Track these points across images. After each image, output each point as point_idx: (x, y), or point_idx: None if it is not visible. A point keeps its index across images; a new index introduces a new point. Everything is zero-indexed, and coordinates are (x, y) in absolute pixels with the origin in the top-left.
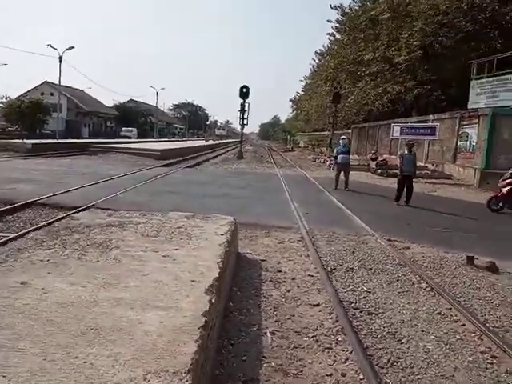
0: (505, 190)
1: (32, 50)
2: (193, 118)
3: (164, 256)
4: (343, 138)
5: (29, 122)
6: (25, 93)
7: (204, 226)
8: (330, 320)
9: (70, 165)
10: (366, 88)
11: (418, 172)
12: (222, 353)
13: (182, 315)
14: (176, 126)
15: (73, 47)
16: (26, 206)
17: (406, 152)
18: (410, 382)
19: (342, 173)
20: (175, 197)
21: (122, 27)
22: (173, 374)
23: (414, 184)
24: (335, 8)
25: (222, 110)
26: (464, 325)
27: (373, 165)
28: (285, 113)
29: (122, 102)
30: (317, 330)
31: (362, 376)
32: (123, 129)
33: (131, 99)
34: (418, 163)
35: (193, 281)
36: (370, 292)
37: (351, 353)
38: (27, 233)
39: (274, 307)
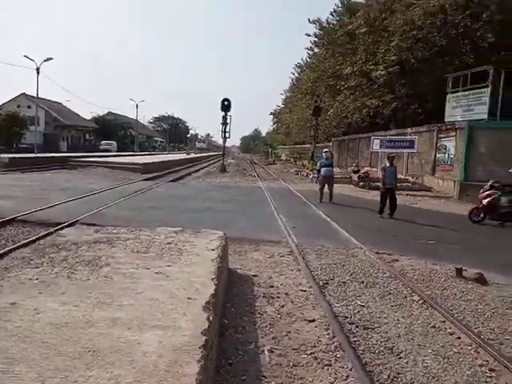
0: (485, 201)
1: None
2: (173, 131)
3: (156, 273)
4: (326, 151)
5: (5, 135)
6: (1, 105)
7: (194, 241)
8: (326, 336)
9: (49, 179)
10: (345, 101)
11: (398, 184)
12: (220, 373)
13: (181, 334)
14: (156, 139)
15: (51, 58)
16: (7, 222)
17: (388, 165)
18: None
19: (326, 185)
20: (159, 211)
21: (101, 38)
22: None
23: (396, 197)
24: (313, 22)
25: (202, 123)
26: (459, 337)
27: (355, 177)
28: (266, 126)
29: (100, 114)
30: (315, 346)
31: None
32: (102, 142)
33: (110, 112)
34: (399, 176)
35: (189, 298)
36: (363, 306)
37: (351, 369)
38: (12, 250)
39: (270, 324)
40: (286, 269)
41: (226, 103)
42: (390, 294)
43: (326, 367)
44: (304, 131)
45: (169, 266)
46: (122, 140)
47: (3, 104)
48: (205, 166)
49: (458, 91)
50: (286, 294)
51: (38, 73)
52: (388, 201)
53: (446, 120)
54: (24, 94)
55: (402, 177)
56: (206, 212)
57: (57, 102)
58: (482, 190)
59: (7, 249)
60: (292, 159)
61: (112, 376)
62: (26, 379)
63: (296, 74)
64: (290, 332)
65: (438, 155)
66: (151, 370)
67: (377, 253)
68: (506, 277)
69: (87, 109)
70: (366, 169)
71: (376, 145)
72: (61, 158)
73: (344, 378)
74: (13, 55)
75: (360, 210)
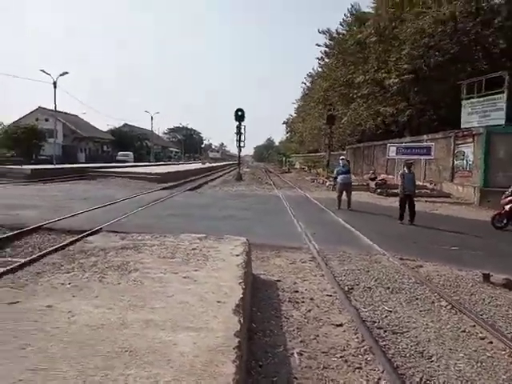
0: (507, 207)
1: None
2: (188, 142)
3: (184, 277)
4: (342, 159)
5: (25, 147)
6: (19, 119)
7: (218, 246)
8: (355, 340)
9: (70, 190)
10: (358, 109)
11: (417, 191)
12: (251, 374)
13: (215, 336)
14: (171, 149)
15: (66, 73)
16: (33, 230)
17: (406, 171)
18: None
19: (344, 193)
20: (179, 219)
21: (112, 50)
22: None
23: (416, 203)
24: (323, 32)
25: (216, 133)
26: (491, 342)
27: (372, 184)
28: (278, 135)
29: (116, 126)
30: (344, 350)
31: None
32: (119, 153)
33: (126, 124)
34: (417, 182)
35: (218, 301)
36: (391, 311)
37: (383, 372)
38: (43, 256)
39: (297, 328)
40: (310, 274)
41: (239, 113)
42: (417, 299)
43: (356, 370)
44: (318, 139)
45: (196, 270)
46: (138, 151)
47: (21, 118)
48: (220, 175)
49: (472, 97)
50: (311, 298)
51: (55, 87)
52: (407, 207)
53: (462, 126)
54: (40, 107)
55: (420, 183)
56: (224, 220)
57: (73, 115)
58: (503, 196)
59: (37, 254)
60: (306, 167)
61: (151, 375)
62: (68, 377)
63: (308, 84)
64: (318, 336)
65: (456, 162)
66: (188, 370)
67: (400, 259)
68: None
69: (103, 121)
70: (382, 176)
71: (392, 152)
72: (80, 169)
73: (376, 380)
74: (26, 70)
75: (379, 216)
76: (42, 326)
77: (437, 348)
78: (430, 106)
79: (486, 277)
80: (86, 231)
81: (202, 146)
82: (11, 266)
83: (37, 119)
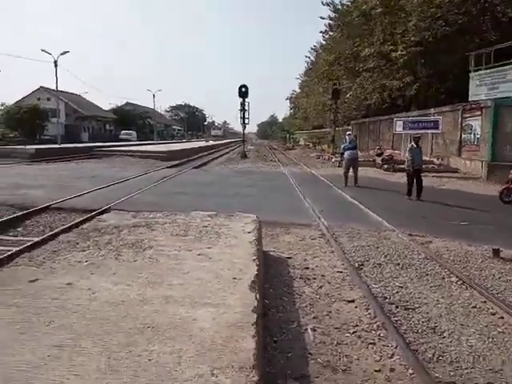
0: None
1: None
2: (190, 120)
3: (199, 254)
4: (349, 134)
5: (28, 127)
6: (22, 99)
7: (229, 224)
8: (367, 316)
9: (76, 169)
10: (364, 84)
11: (424, 166)
12: (267, 350)
13: (233, 312)
14: (174, 127)
15: (67, 51)
16: (42, 210)
17: (415, 146)
18: (459, 376)
19: (351, 169)
20: (187, 197)
21: (114, 29)
22: (239, 369)
23: (422, 178)
24: (327, 4)
25: (219, 111)
26: (502, 317)
27: (378, 160)
28: (282, 111)
29: (118, 105)
30: (357, 325)
31: (411, 371)
32: (122, 132)
33: (128, 102)
34: (424, 157)
35: (234, 278)
36: (402, 287)
37: (396, 348)
38: (58, 235)
39: (310, 304)
40: (319, 251)
41: (243, 90)
42: (427, 275)
43: (370, 346)
44: (322, 115)
45: (209, 248)
46: (140, 129)
47: (23, 98)
48: (224, 153)
49: (480, 69)
50: (323, 275)
51: (56, 66)
52: (415, 182)
53: (470, 99)
54: (42, 87)
55: (427, 158)
56: (232, 197)
57: (75, 94)
58: (511, 170)
59: (52, 233)
60: (311, 144)
61: (174, 350)
62: (94, 353)
63: (312, 58)
64: (330, 312)
65: (463, 135)
66: (210, 345)
67: (409, 235)
68: None
69: (104, 100)
70: (389, 151)
71: (399, 126)
72: (85, 148)
73: (389, 356)
74: (26, 49)
75: (386, 192)
76: (64, 304)
77: (448, 324)
78: (437, 78)
79: (496, 252)
80: (95, 210)
81: (205, 123)
82: (26, 245)
83: (39, 99)
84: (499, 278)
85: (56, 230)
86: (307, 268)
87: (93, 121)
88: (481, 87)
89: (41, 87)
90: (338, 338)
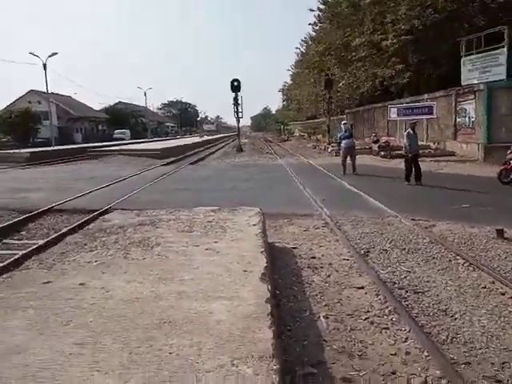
0: None
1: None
2: (183, 116)
3: (206, 249)
4: (345, 123)
5: (21, 131)
6: (12, 103)
7: (234, 218)
8: (378, 301)
9: (73, 170)
10: (356, 73)
11: (421, 151)
12: (282, 338)
13: (247, 304)
14: (168, 124)
15: (56, 53)
16: (44, 213)
17: (411, 132)
18: (474, 357)
19: (349, 157)
20: (187, 193)
21: (100, 29)
22: (259, 359)
23: (420, 163)
24: None
25: (211, 106)
26: None
27: (375, 147)
28: (275, 103)
29: (110, 104)
30: (368, 311)
31: (426, 353)
32: (116, 131)
33: (119, 101)
34: (420, 142)
35: (244, 271)
36: (409, 271)
37: (409, 331)
38: (64, 236)
39: (320, 292)
40: (324, 240)
41: (235, 84)
42: (433, 258)
43: (383, 330)
44: (315, 105)
45: (216, 242)
46: (134, 128)
47: (14, 102)
48: (220, 148)
49: (472, 54)
50: (330, 263)
51: (45, 68)
52: (413, 168)
53: (463, 83)
54: (32, 90)
55: (424, 143)
56: (232, 191)
57: (66, 96)
58: (509, 151)
59: (57, 234)
60: (306, 134)
61: (193, 343)
62: (114, 349)
63: (302, 50)
64: (341, 299)
65: (458, 119)
66: (228, 337)
67: (412, 220)
68: None
69: (95, 100)
70: (385, 138)
71: (393, 113)
72: (79, 149)
73: (403, 339)
74: (12, 53)
75: (385, 178)
76: (79, 303)
77: (459, 306)
78: (429, 64)
79: (500, 232)
80: (97, 210)
81: (198, 119)
82: (32, 248)
83: (29, 102)
84: (505, 257)
85: (62, 232)
86: (314, 257)
87: (85, 121)
88: (473, 72)
89: (31, 90)
90: (351, 325)
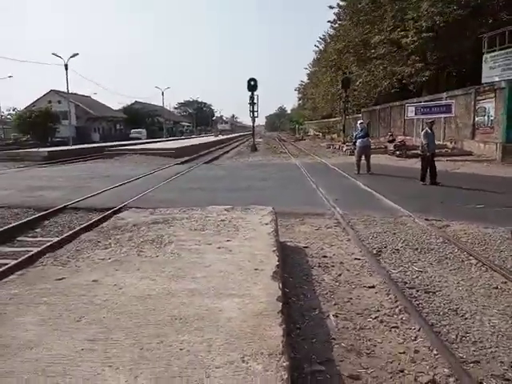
0: None
1: (34, 60)
2: (199, 115)
3: (219, 248)
4: (361, 123)
5: (40, 131)
6: (33, 103)
7: (246, 217)
8: (388, 300)
9: (89, 169)
10: (374, 70)
11: (437, 150)
12: (291, 336)
13: (258, 301)
14: (183, 123)
15: (77, 54)
16: (59, 211)
17: (429, 131)
18: (483, 356)
19: (363, 156)
20: (201, 192)
21: (122, 29)
22: (269, 356)
23: (436, 163)
24: None
25: (227, 105)
26: None
27: (390, 147)
28: (290, 102)
29: (128, 104)
30: (378, 310)
31: (435, 352)
32: (132, 131)
33: (136, 101)
34: (437, 142)
35: (256, 269)
36: (421, 271)
37: (419, 330)
38: (78, 234)
39: (330, 291)
40: (336, 239)
41: (252, 83)
42: (446, 258)
43: (393, 329)
44: (331, 104)
45: (228, 241)
46: (150, 127)
47: (35, 102)
48: (234, 147)
49: (494, 50)
50: (341, 262)
51: (66, 69)
52: (429, 167)
53: (484, 81)
54: (53, 90)
55: (440, 142)
56: (246, 191)
57: (85, 96)
58: None
59: (72, 231)
60: (321, 134)
61: (203, 340)
62: (126, 345)
63: (320, 47)
64: (351, 298)
65: (476, 118)
66: (238, 334)
67: (426, 219)
68: None
69: (114, 100)
70: (401, 137)
71: (411, 112)
72: (96, 149)
73: (413, 338)
74: (36, 54)
75: (400, 178)
76: (92, 300)
77: (470, 305)
78: (449, 62)
79: None
80: (111, 208)
81: (213, 118)
82: (46, 245)
83: (50, 102)
84: None
85: (76, 229)
86: (325, 256)
87: (103, 121)
88: (494, 69)
89: (51, 90)
90: (361, 323)
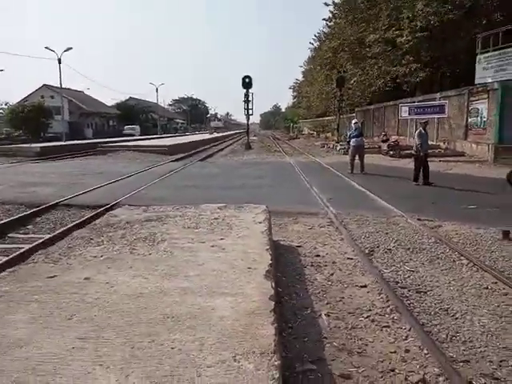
0: None
1: (28, 54)
2: (193, 112)
3: (212, 246)
4: (356, 122)
5: (33, 126)
6: (25, 97)
7: (240, 215)
8: (380, 300)
9: (82, 165)
10: (369, 69)
11: (430, 151)
12: (282, 335)
13: (251, 300)
14: (177, 120)
15: (70, 48)
16: (51, 207)
17: (423, 131)
18: (473, 355)
19: (357, 156)
20: (195, 190)
21: (116, 26)
22: (260, 354)
23: (429, 163)
24: None
25: (221, 103)
26: None
27: (384, 147)
28: (285, 101)
29: (122, 100)
30: (370, 310)
31: (426, 351)
32: (126, 127)
33: (131, 97)
34: (430, 142)
35: (249, 268)
36: (413, 271)
37: (410, 330)
38: (71, 231)
39: (322, 290)
40: (329, 239)
41: (247, 80)
42: (438, 258)
43: (384, 328)
44: (326, 103)
45: (222, 239)
46: (144, 124)
47: (27, 96)
48: (228, 145)
49: (488, 51)
50: (333, 262)
51: (59, 63)
52: (422, 167)
53: (477, 82)
54: (45, 85)
55: (433, 143)
56: (239, 189)
57: (78, 91)
58: None
59: (64, 228)
60: (315, 132)
61: (196, 338)
62: (117, 344)
63: (315, 45)
64: (343, 297)
65: (469, 119)
66: (230, 333)
67: (418, 219)
68: None
69: (107, 96)
70: (395, 137)
71: (404, 112)
72: (89, 145)
73: (404, 338)
74: (26, 48)
75: (393, 178)
76: (83, 298)
77: (460, 305)
78: (443, 62)
79: (506, 234)
80: (104, 206)
81: (208, 115)
82: (40, 241)
83: (42, 97)
84: (510, 259)
85: (68, 226)
86: (318, 255)
87: (96, 117)
88: (487, 70)
89: (44, 85)
90: (352, 323)
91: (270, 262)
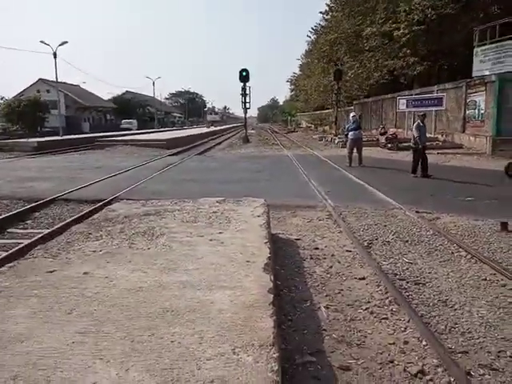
0: None
1: (23, 48)
2: (191, 106)
3: (211, 240)
4: (354, 115)
5: (29, 120)
6: (21, 92)
7: (238, 209)
8: (379, 292)
9: (80, 160)
10: (366, 62)
11: (428, 143)
12: (282, 328)
13: (250, 293)
14: (174, 114)
15: (66, 42)
16: (50, 202)
17: (421, 124)
18: (471, 346)
19: (355, 149)
20: (194, 184)
21: (112, 18)
22: (259, 347)
23: (427, 155)
24: None
25: (219, 96)
26: None
27: (382, 139)
28: (283, 94)
29: (118, 94)
30: (369, 302)
31: (424, 342)
32: (123, 121)
33: (127, 91)
34: (428, 135)
35: (247, 261)
36: (411, 263)
37: (408, 321)
38: (69, 225)
39: (321, 283)
40: (328, 232)
41: (244, 74)
42: (436, 250)
43: (383, 320)
44: (323, 96)
45: (220, 233)
46: (141, 118)
47: (23, 91)
48: (226, 139)
49: (485, 44)
50: (332, 255)
51: (55, 57)
52: (420, 160)
53: (474, 75)
54: (41, 79)
55: (431, 135)
56: (238, 182)
57: (74, 85)
58: None
59: (63, 223)
60: (313, 126)
61: (195, 332)
62: (117, 338)
63: (312, 37)
64: (342, 290)
65: (467, 112)
66: (229, 326)
67: (417, 212)
68: None
69: (104, 90)
70: (393, 130)
71: (402, 105)
72: (86, 139)
73: (402, 329)
74: (23, 42)
75: (392, 171)
76: (83, 292)
77: (459, 297)
78: (440, 55)
79: (504, 225)
80: (102, 200)
81: (205, 109)
82: (39, 236)
83: (38, 91)
84: (508, 250)
85: (67, 221)
86: (316, 248)
87: (93, 111)
88: (485, 63)
89: (40, 79)
90: (351, 315)
91: (269, 255)
